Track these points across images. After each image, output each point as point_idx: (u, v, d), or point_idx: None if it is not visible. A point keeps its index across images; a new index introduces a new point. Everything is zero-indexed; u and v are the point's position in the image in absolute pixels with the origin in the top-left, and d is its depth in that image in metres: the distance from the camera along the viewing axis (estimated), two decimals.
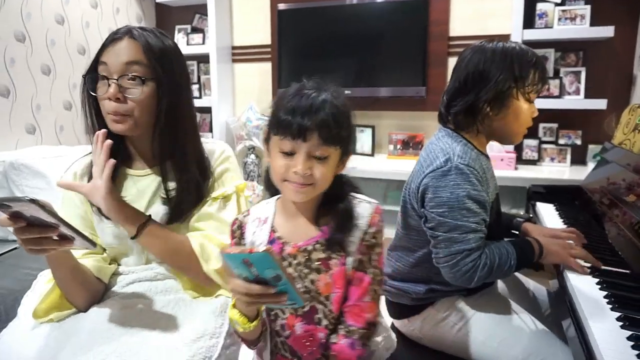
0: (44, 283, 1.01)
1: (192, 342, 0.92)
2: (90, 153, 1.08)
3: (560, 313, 1.01)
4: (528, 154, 2.61)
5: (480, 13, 2.66)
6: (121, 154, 1.06)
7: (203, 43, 3.24)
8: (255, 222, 0.91)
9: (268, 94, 3.20)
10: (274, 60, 3.10)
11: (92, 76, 0.99)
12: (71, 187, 0.99)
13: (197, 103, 3.33)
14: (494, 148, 2.50)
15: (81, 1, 2.83)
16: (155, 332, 0.93)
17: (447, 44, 2.72)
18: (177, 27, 3.36)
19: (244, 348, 0.96)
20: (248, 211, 0.94)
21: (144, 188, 1.06)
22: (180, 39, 3.33)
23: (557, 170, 2.51)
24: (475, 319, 1.11)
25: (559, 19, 2.40)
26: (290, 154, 0.80)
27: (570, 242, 1.10)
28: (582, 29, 2.36)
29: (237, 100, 3.37)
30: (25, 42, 2.49)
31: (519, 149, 2.58)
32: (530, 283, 1.33)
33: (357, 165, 2.69)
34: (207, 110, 3.33)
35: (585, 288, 0.99)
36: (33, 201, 0.70)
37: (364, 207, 0.87)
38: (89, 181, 1.03)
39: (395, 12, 2.74)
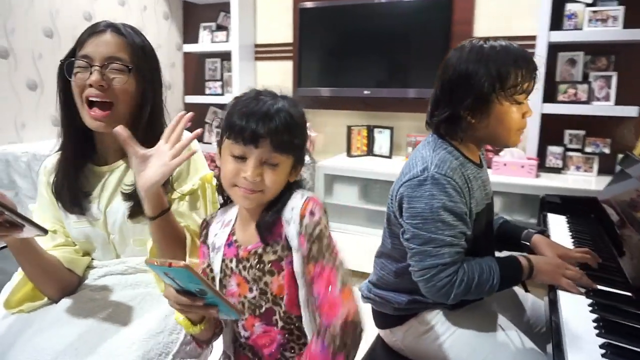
0: (18, 274, 1.03)
1: (151, 337, 0.92)
2: (58, 151, 1.09)
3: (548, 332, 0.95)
4: (552, 161, 2.49)
5: (506, 12, 2.56)
6: (87, 150, 1.08)
7: (226, 41, 3.27)
8: (219, 224, 0.91)
9: (288, 93, 3.19)
10: (295, 59, 3.09)
11: (71, 63, 0.99)
12: (126, 141, 0.92)
13: (219, 100, 3.38)
14: (514, 154, 2.41)
15: None
16: (116, 326, 0.94)
17: None
18: (202, 24, 3.40)
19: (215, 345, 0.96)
20: (216, 212, 0.94)
21: (106, 183, 1.07)
22: (204, 36, 3.37)
23: (582, 180, 2.38)
24: (458, 334, 1.06)
25: (590, 20, 2.27)
26: (241, 159, 0.80)
27: (565, 262, 1.03)
28: (615, 32, 2.23)
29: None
30: (54, 37, 2.58)
31: (542, 155, 2.47)
32: (528, 298, 1.26)
33: (373, 167, 2.65)
34: None
35: (575, 308, 0.93)
36: None
37: (295, 199, 0.84)
38: (54, 183, 1.06)
39: (418, 11, 2.67)
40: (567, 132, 2.48)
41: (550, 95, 2.39)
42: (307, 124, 0.87)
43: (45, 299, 1.01)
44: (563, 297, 0.97)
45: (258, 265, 0.84)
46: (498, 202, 2.40)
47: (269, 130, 0.77)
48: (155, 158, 0.90)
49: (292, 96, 0.87)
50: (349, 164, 2.76)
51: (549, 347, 0.88)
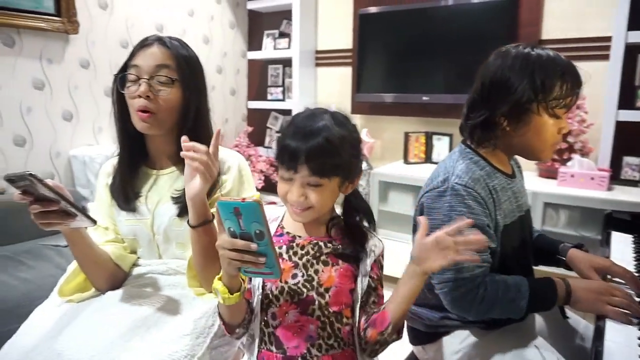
0: (72, 266, 1.13)
1: (179, 338, 0.96)
2: (115, 156, 1.18)
3: None
4: (628, 173, 2.28)
5: (578, 12, 2.39)
6: (141, 153, 1.17)
7: (288, 47, 3.34)
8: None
9: (347, 99, 3.21)
10: (354, 65, 3.09)
11: (124, 76, 1.08)
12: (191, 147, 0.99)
13: (280, 105, 3.46)
14: (583, 164, 2.23)
15: (179, 10, 3.09)
16: (150, 324, 1.00)
17: None
18: (266, 32, 3.51)
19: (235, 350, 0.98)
20: None
21: (158, 187, 1.15)
22: (268, 43, 3.47)
23: None
24: (493, 357, 1.00)
25: None
26: (289, 180, 0.86)
27: (614, 285, 0.94)
28: None
29: (318, 103, 3.42)
30: (129, 48, 2.79)
31: (616, 167, 2.27)
32: (580, 322, 1.16)
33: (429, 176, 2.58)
34: (289, 112, 3.44)
35: (622, 337, 0.84)
36: (31, 175, 0.80)
37: (376, 240, 0.95)
38: (112, 184, 1.15)
39: (481, 13, 2.57)
40: None
41: (627, 101, 2.19)
42: (359, 139, 0.91)
43: (93, 290, 1.10)
44: (610, 324, 0.89)
45: (314, 253, 0.89)
46: (562, 217, 2.24)
47: (306, 156, 0.81)
48: (203, 168, 0.95)
49: (342, 113, 0.91)
50: (405, 171, 2.71)
51: None
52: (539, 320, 1.14)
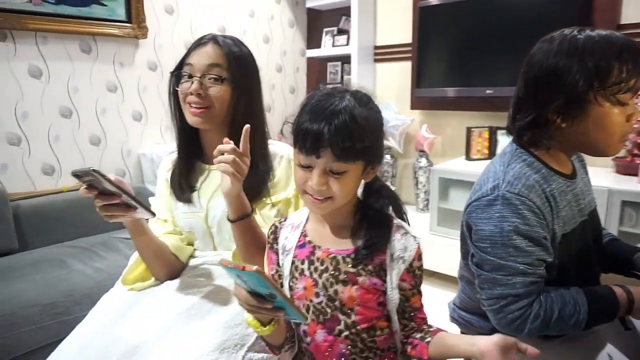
0: (134, 257, 1.19)
1: (230, 327, 0.99)
2: (174, 152, 1.23)
3: None
4: None
5: None
6: (196, 148, 1.21)
7: (347, 44, 3.32)
8: (288, 227, 0.93)
9: (407, 93, 3.14)
10: (414, 59, 3.02)
11: (179, 74, 1.14)
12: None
13: None
14: None
15: (240, 11, 3.18)
16: (203, 312, 1.03)
17: None
18: (325, 29, 3.51)
19: None
20: (286, 217, 0.96)
21: (211, 180, 1.19)
22: (327, 41, 3.48)
23: None
24: None
25: None
26: (307, 167, 0.79)
27: None
28: None
29: (376, 100, 3.38)
30: None
31: None
32: None
33: None
34: None
35: None
36: (95, 171, 0.85)
37: (409, 240, 0.85)
38: (171, 177, 1.19)
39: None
40: None
41: None
42: (382, 119, 0.84)
43: (153, 279, 1.15)
44: None
45: (333, 272, 0.84)
46: None
47: (329, 140, 0.75)
48: (236, 167, 0.97)
49: (364, 91, 0.84)
50: (467, 168, 2.60)
51: None
52: (603, 326, 1.05)
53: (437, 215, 2.68)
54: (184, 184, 1.18)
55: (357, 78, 3.22)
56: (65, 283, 1.74)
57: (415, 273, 0.85)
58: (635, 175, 2.12)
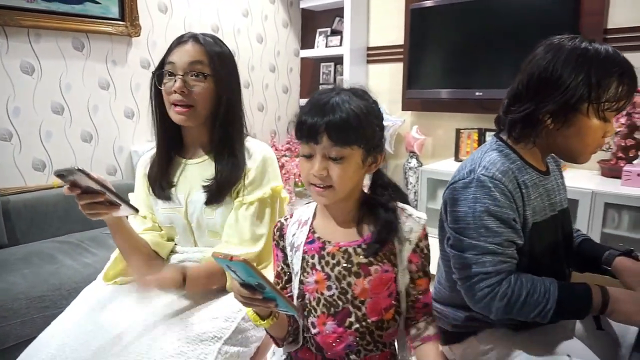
0: (115, 254, 1.21)
1: (208, 320, 1.02)
2: (152, 149, 1.25)
3: None
4: None
5: None
6: (176, 143, 1.23)
7: (340, 45, 3.35)
8: (295, 224, 0.94)
9: (398, 95, 3.16)
10: (406, 61, 3.04)
11: (161, 73, 1.15)
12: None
13: None
14: None
15: (234, 11, 3.20)
16: (185, 307, 1.06)
17: (602, 38, 2.32)
18: (319, 30, 3.54)
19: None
20: (291, 214, 0.97)
21: (188, 174, 1.21)
22: (320, 41, 3.51)
23: None
24: (521, 356, 0.95)
25: None
26: (309, 157, 0.83)
27: None
28: None
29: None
30: None
31: None
32: (628, 328, 1.07)
33: None
34: None
35: None
36: (80, 170, 0.87)
37: (413, 221, 0.89)
38: (149, 173, 1.23)
39: (539, 3, 2.44)
40: None
41: None
42: (379, 111, 0.87)
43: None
44: None
45: (346, 265, 0.86)
46: (626, 218, 2.08)
47: (325, 125, 0.79)
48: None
49: (361, 87, 0.88)
50: (455, 169, 2.63)
51: None
52: (578, 324, 1.07)
53: (425, 215, 2.70)
54: (163, 181, 1.20)
55: (350, 79, 3.24)
56: (54, 277, 1.76)
57: (423, 253, 0.90)
58: (619, 177, 2.15)
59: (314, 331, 0.89)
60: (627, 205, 2.04)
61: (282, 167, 3.26)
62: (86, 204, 0.95)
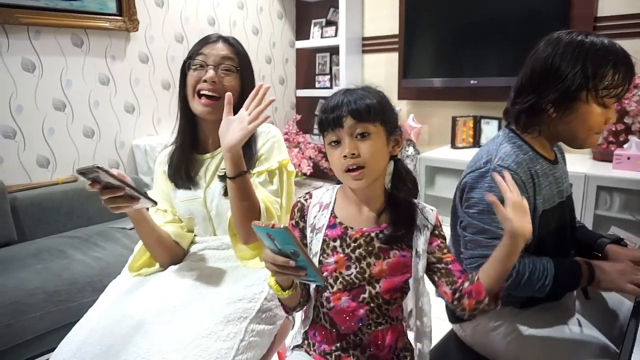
0: (138, 246, 1.26)
1: (233, 302, 1.07)
2: (172, 144, 1.30)
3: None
4: None
5: None
6: (193, 140, 1.28)
7: (335, 35, 3.38)
8: (316, 206, 0.99)
9: (394, 84, 3.21)
10: (401, 50, 3.09)
11: (192, 62, 1.21)
12: (227, 105, 1.09)
13: (328, 93, 3.52)
14: None
15: (230, 3, 3.21)
16: (208, 291, 1.11)
17: (592, 27, 2.38)
18: (313, 21, 3.56)
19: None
20: (310, 194, 1.01)
21: (206, 168, 1.26)
22: (315, 32, 3.53)
23: None
24: (530, 334, 1.02)
25: None
26: (337, 143, 0.89)
27: (631, 264, 0.95)
28: None
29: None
30: (183, 42, 2.94)
31: None
32: (614, 297, 1.16)
33: None
34: None
35: None
36: (99, 167, 0.92)
37: (428, 211, 0.95)
38: (168, 169, 1.27)
39: None
40: None
41: None
42: (391, 104, 0.93)
43: (157, 266, 1.23)
44: None
45: (367, 247, 0.92)
46: (617, 201, 2.17)
47: (346, 107, 0.87)
48: (237, 123, 1.05)
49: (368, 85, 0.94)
50: (453, 156, 2.70)
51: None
52: (573, 297, 1.15)
53: (424, 202, 2.78)
54: (183, 173, 1.25)
55: (346, 69, 3.29)
56: (67, 272, 1.80)
57: (441, 234, 0.95)
58: (611, 161, 2.23)
59: (328, 306, 0.94)
60: (618, 187, 2.13)
61: None
62: (108, 198, 1.00)
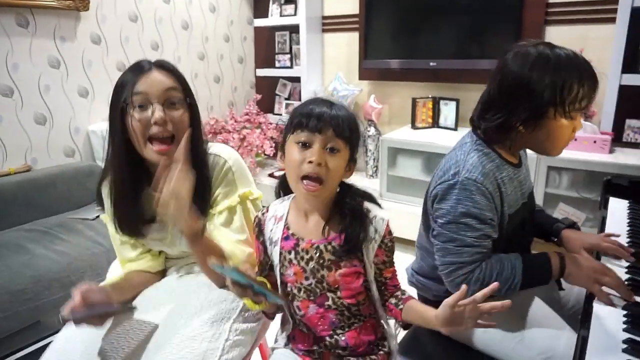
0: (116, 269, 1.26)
1: (216, 304, 1.10)
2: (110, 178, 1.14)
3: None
4: (629, 135, 2.34)
5: None
6: (141, 174, 1.11)
7: (295, 14, 3.33)
8: (272, 219, 1.01)
9: (355, 64, 3.23)
10: (361, 30, 3.10)
11: (131, 103, 1.01)
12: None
13: (288, 73, 3.49)
14: (587, 128, 2.29)
15: None
16: (191, 295, 1.13)
17: (544, 12, 2.48)
18: None
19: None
20: (267, 209, 1.04)
21: None
22: (274, 10, 3.46)
23: None
24: (492, 318, 1.11)
25: None
26: (305, 145, 0.89)
27: (609, 268, 1.01)
28: None
29: (325, 70, 3.45)
30: (138, 22, 2.82)
31: (618, 129, 2.33)
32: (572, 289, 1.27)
33: (438, 140, 2.65)
34: (297, 80, 3.47)
35: (607, 319, 0.89)
36: (73, 319, 0.91)
37: (377, 223, 0.96)
38: (112, 206, 1.13)
39: None
40: None
41: (630, 65, 2.22)
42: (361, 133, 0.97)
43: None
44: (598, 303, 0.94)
45: (318, 260, 0.95)
46: (565, 179, 2.33)
47: (330, 118, 0.88)
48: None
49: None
50: (413, 137, 2.77)
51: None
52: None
53: (386, 182, 2.86)
54: (139, 218, 1.12)
55: (307, 48, 3.26)
56: (29, 269, 1.74)
57: (387, 247, 0.97)
58: None
59: (300, 313, 1.00)
60: (566, 167, 2.28)
61: (243, 139, 3.28)
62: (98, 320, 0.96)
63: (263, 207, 1.07)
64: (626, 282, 0.99)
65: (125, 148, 1.06)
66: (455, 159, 1.09)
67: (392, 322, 1.08)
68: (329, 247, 0.95)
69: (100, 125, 2.62)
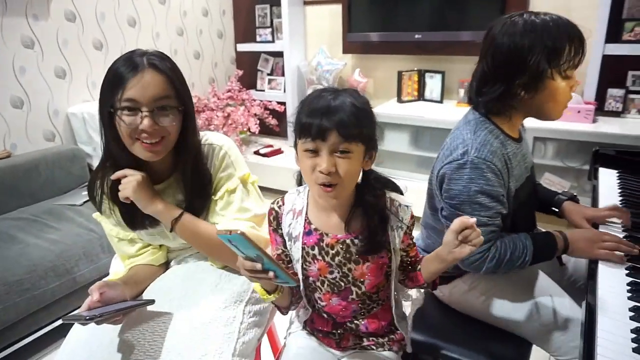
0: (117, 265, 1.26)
1: (227, 288, 1.12)
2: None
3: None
4: (611, 104, 2.40)
5: None
6: (140, 168, 1.09)
7: None
8: (290, 214, 0.97)
9: (338, 38, 3.18)
10: (345, 3, 3.04)
11: (119, 110, 0.99)
12: (121, 174, 1.06)
13: (270, 47, 3.42)
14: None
15: None
16: (201, 282, 1.14)
17: None
18: None
19: None
20: (282, 200, 1.00)
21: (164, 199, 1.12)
22: None
23: None
24: (500, 291, 1.15)
25: None
26: (314, 152, 0.84)
27: (604, 232, 1.07)
28: None
29: (308, 43, 3.40)
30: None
31: (601, 99, 2.39)
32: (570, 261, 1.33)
33: (424, 113, 2.66)
34: (279, 54, 3.41)
35: (611, 272, 0.98)
36: (90, 318, 0.88)
37: (403, 209, 0.95)
38: (121, 215, 1.14)
39: None
40: (631, 73, 2.36)
41: (613, 35, 2.26)
42: (374, 116, 0.90)
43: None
44: (602, 266, 1.00)
45: (345, 255, 0.94)
46: (550, 149, 2.39)
47: (334, 122, 0.81)
48: (128, 188, 1.04)
49: (351, 89, 0.90)
50: (400, 110, 2.78)
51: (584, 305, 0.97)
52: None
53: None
54: (138, 213, 1.10)
55: (289, 21, 3.19)
56: (24, 258, 1.71)
57: (410, 230, 0.97)
58: None
59: (321, 304, 1.01)
60: (551, 137, 2.34)
61: (227, 116, 3.22)
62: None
63: (278, 200, 1.02)
64: None
65: (117, 144, 1.04)
66: (462, 137, 1.09)
67: (407, 303, 1.10)
68: (356, 241, 0.93)
69: (80, 107, 2.53)
